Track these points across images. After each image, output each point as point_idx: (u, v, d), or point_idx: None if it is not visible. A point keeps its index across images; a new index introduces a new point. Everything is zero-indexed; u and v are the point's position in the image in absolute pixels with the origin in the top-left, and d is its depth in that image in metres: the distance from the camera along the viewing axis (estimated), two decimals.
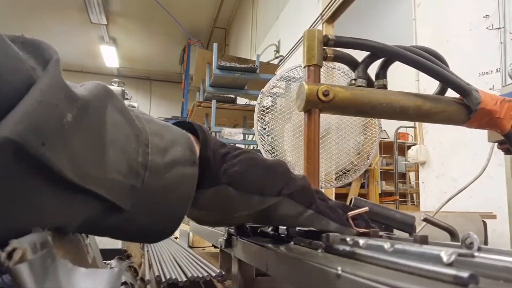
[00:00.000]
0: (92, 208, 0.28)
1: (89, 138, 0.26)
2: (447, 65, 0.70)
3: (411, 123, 4.18)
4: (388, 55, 0.68)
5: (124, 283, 0.70)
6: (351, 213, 0.44)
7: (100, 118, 0.27)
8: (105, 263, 0.99)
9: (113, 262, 1.13)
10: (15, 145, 0.21)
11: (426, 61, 0.66)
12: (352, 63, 0.71)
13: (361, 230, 0.43)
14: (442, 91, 0.73)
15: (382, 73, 0.70)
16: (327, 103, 0.62)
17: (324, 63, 0.78)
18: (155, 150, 0.31)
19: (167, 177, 0.31)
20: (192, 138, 0.36)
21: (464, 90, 0.68)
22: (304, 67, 0.67)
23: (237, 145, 0.40)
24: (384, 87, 0.70)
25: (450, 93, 0.70)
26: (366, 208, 0.46)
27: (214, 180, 0.36)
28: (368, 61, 0.70)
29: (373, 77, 0.71)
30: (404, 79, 1.79)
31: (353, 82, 0.69)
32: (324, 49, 0.67)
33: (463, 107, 0.68)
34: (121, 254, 1.31)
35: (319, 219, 0.42)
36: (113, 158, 0.28)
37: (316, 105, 0.63)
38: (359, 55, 0.70)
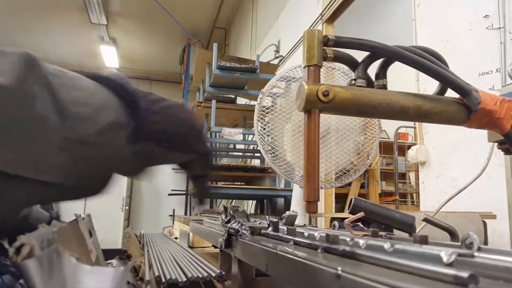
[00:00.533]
0: (35, 190, 0.29)
1: (18, 127, 0.26)
2: (447, 65, 0.70)
3: (411, 123, 4.17)
4: (388, 55, 0.68)
5: (127, 282, 0.70)
6: (349, 220, 0.44)
7: (27, 104, 0.28)
8: (106, 262, 0.99)
9: (114, 262, 1.13)
10: None
11: (426, 61, 0.66)
12: (352, 63, 0.71)
13: (361, 234, 0.43)
14: (442, 91, 0.73)
15: (382, 73, 0.70)
16: (327, 103, 0.62)
17: (324, 63, 0.78)
18: (83, 121, 0.32)
19: (100, 143, 0.33)
20: (118, 100, 0.38)
21: (464, 90, 0.68)
22: (304, 67, 0.67)
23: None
24: (384, 87, 0.70)
25: (450, 93, 0.70)
26: (361, 213, 0.46)
27: (138, 136, 0.38)
28: (368, 61, 0.70)
29: (373, 77, 0.71)
30: (404, 79, 1.79)
31: (353, 82, 0.69)
32: (324, 49, 0.67)
33: (463, 107, 0.68)
34: (121, 254, 1.31)
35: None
36: (41, 140, 0.28)
37: (316, 105, 0.63)
38: (359, 55, 0.70)
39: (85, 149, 0.31)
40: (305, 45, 0.67)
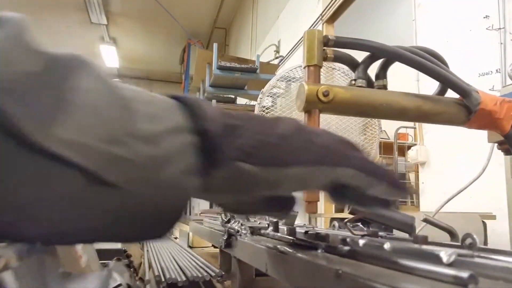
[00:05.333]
0: (71, 180, 0.23)
1: (55, 99, 0.23)
2: (447, 66, 0.70)
3: (411, 124, 4.17)
4: (388, 55, 0.68)
5: (119, 285, 0.70)
6: (348, 220, 0.44)
7: (69, 81, 0.25)
8: (104, 263, 0.99)
9: (111, 263, 1.13)
10: None
11: (426, 62, 0.66)
12: (352, 64, 0.71)
13: (361, 234, 0.43)
14: (442, 92, 0.73)
15: (382, 73, 0.70)
16: (327, 103, 0.62)
17: (324, 63, 0.78)
18: (144, 118, 0.28)
19: (162, 147, 0.27)
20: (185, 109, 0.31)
21: (464, 90, 0.68)
22: (304, 68, 0.67)
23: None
24: (384, 87, 0.70)
25: (450, 94, 0.70)
26: (361, 214, 0.46)
27: (222, 158, 0.30)
28: (368, 62, 0.70)
29: (373, 77, 0.71)
30: (404, 79, 1.79)
31: (353, 82, 0.69)
32: (324, 49, 0.67)
33: (463, 107, 0.68)
34: (121, 254, 1.31)
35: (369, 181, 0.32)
36: (87, 122, 0.24)
37: (316, 105, 0.63)
38: (359, 56, 0.70)
39: (147, 148, 0.26)
40: (305, 45, 0.67)
